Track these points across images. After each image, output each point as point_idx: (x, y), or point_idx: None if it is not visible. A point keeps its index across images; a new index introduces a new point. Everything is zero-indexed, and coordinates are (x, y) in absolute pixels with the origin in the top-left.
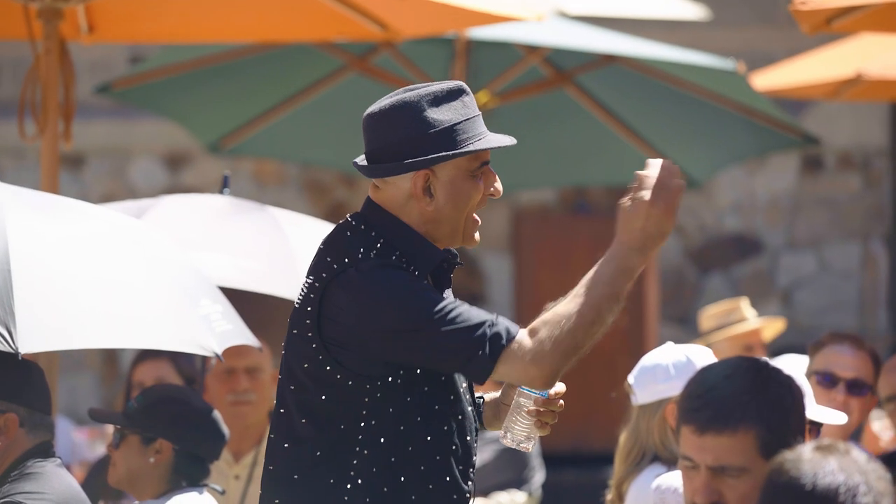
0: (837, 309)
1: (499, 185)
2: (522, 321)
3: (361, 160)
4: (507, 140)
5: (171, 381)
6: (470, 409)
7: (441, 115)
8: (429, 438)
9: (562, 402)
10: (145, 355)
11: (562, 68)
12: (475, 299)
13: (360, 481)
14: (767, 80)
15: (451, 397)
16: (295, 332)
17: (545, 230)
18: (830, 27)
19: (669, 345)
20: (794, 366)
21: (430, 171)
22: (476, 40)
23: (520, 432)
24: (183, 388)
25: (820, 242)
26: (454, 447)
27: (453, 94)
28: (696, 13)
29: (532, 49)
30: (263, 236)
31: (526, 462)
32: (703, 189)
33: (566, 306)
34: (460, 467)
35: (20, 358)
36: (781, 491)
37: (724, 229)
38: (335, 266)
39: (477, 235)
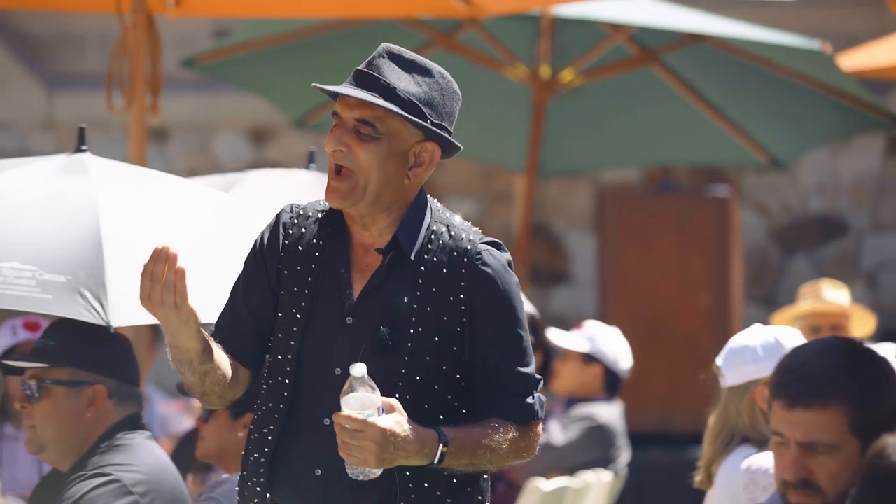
0: None
1: (327, 144)
2: (607, 300)
3: None
4: (329, 88)
5: None
6: (287, 370)
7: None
8: (262, 391)
9: (360, 436)
10: None
11: (647, 47)
12: (559, 278)
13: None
14: (854, 60)
15: (279, 356)
16: None
17: (629, 209)
18: None
19: (757, 326)
20: (892, 353)
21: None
22: (561, 18)
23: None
24: None
25: None
26: (266, 407)
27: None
28: None
29: (617, 27)
30: None
31: (612, 441)
32: (787, 170)
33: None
34: (265, 429)
35: (112, 331)
36: (882, 475)
37: (809, 210)
38: None
39: (334, 191)
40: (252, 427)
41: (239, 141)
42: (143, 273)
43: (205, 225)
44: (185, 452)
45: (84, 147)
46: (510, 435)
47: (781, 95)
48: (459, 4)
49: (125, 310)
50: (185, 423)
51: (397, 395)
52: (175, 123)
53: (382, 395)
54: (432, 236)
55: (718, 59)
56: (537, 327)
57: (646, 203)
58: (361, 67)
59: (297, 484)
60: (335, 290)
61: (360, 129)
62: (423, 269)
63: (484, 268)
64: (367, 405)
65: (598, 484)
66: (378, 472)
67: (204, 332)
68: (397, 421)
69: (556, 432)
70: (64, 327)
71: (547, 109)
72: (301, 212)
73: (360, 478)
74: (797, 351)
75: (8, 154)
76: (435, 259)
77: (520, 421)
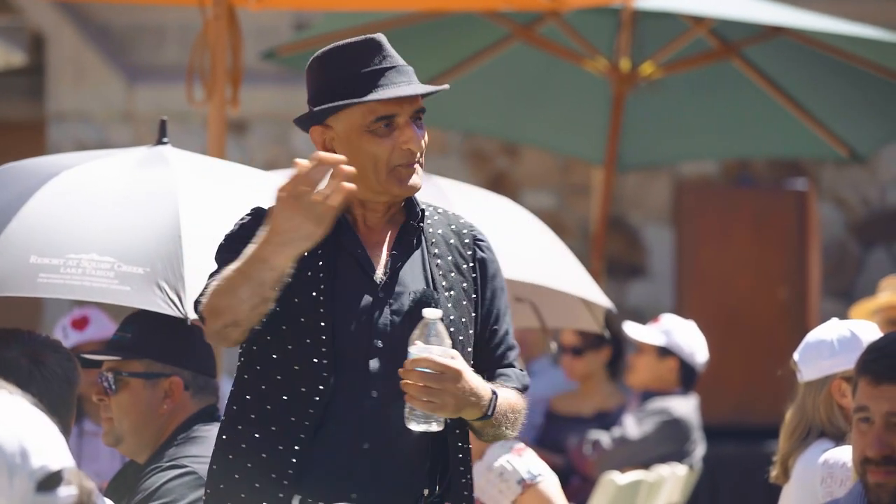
0: None
1: (416, 139)
2: (684, 294)
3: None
4: (390, 94)
5: None
6: (324, 362)
7: (340, 69)
8: (263, 387)
9: (444, 380)
10: None
11: (728, 40)
12: (635, 271)
13: (223, 436)
14: None
15: (289, 346)
16: None
17: (707, 202)
18: None
19: (834, 321)
20: None
21: (324, 128)
22: (642, 10)
23: (407, 411)
24: None
25: None
26: (285, 398)
27: (360, 48)
28: None
29: (698, 20)
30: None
31: (687, 435)
32: (866, 163)
33: (224, 275)
34: (292, 419)
35: (189, 323)
36: None
37: (888, 204)
38: None
39: (414, 179)
40: (248, 427)
41: None
42: (300, 174)
43: None
44: None
45: (165, 139)
46: (521, 403)
47: (862, 89)
48: None
49: None
50: None
51: None
52: (254, 115)
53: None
54: (425, 212)
55: (799, 52)
56: (610, 319)
57: (723, 196)
58: (388, 65)
59: (336, 465)
60: (355, 270)
61: (417, 118)
62: (433, 241)
63: (483, 241)
64: (445, 349)
65: (672, 478)
66: (441, 424)
67: None
68: (466, 366)
69: (631, 426)
70: (140, 319)
71: (626, 102)
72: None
73: (422, 428)
74: (887, 335)
75: (87, 146)
76: (440, 232)
77: (521, 390)
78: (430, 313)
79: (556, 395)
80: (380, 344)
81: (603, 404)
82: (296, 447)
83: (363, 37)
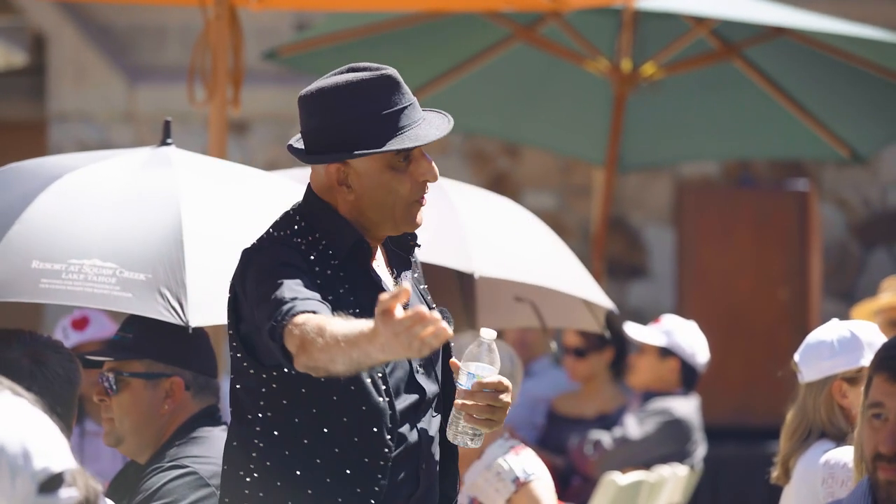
0: None
1: (433, 171)
2: (685, 294)
3: (297, 140)
4: (423, 138)
5: None
6: (386, 400)
7: (360, 108)
8: (325, 430)
9: (501, 397)
10: None
11: (729, 40)
12: (636, 272)
13: (256, 475)
14: None
15: (352, 387)
16: (228, 320)
17: (708, 203)
18: None
19: (834, 321)
20: None
21: (341, 165)
22: (643, 11)
23: (457, 428)
24: None
25: None
26: (356, 439)
27: (378, 85)
28: None
29: (699, 21)
30: (430, 206)
31: (688, 436)
32: (867, 164)
33: (330, 336)
34: (366, 460)
35: (190, 331)
36: None
37: (889, 204)
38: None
39: (420, 217)
40: (311, 471)
41: None
42: (416, 318)
43: None
44: None
45: (169, 140)
46: None
47: (863, 89)
48: None
49: (205, 309)
50: None
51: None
52: (255, 116)
53: (439, 372)
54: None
55: (800, 53)
56: (611, 320)
57: (724, 197)
58: (406, 103)
59: (406, 493)
60: (370, 291)
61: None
62: (414, 260)
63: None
64: (497, 367)
65: (673, 478)
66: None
67: None
68: None
69: (632, 426)
70: (140, 319)
71: (627, 103)
72: (300, 236)
73: (471, 444)
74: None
75: (88, 146)
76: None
77: None
78: (487, 333)
79: (557, 396)
80: (418, 367)
81: (605, 406)
82: (376, 488)
83: (377, 73)
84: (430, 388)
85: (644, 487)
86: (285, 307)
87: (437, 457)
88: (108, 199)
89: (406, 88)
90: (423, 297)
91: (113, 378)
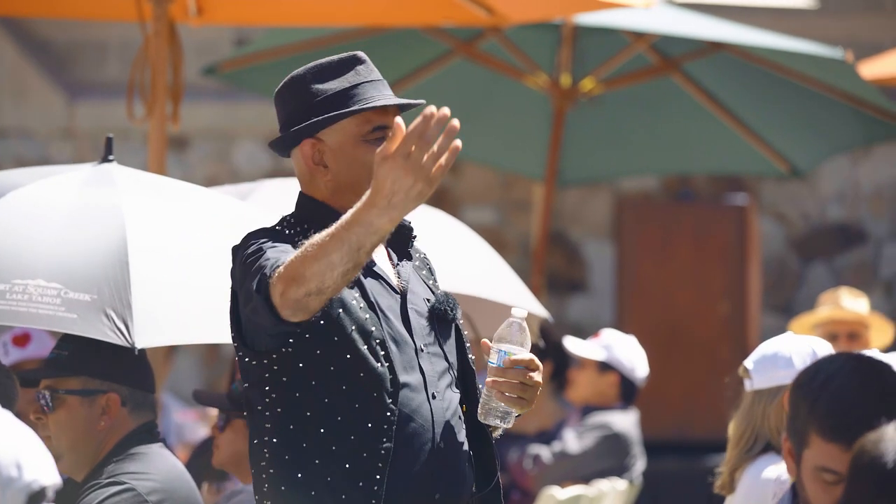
0: None
1: None
2: (625, 309)
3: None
4: (384, 101)
5: None
6: (386, 365)
7: (327, 85)
8: (326, 401)
9: (532, 375)
10: None
11: (668, 55)
12: (576, 287)
13: (268, 456)
14: (875, 68)
15: (348, 356)
16: (230, 322)
17: (648, 218)
18: None
19: (790, 334)
20: None
21: (315, 141)
22: (582, 26)
23: (488, 407)
24: None
25: None
26: (357, 406)
27: (344, 64)
28: (804, 1)
29: (638, 36)
30: None
31: (627, 450)
32: (806, 178)
33: (317, 240)
34: (369, 425)
35: (136, 353)
36: (864, 471)
37: (828, 219)
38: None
39: None
40: (322, 451)
41: (259, 149)
42: (413, 132)
43: (226, 235)
44: (200, 461)
45: (111, 157)
46: None
47: (802, 104)
48: (481, 13)
49: (150, 330)
50: (201, 431)
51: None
52: (195, 131)
53: (450, 354)
54: None
55: (739, 68)
56: (550, 334)
57: (664, 212)
58: (374, 78)
59: (420, 471)
60: (374, 280)
61: None
62: (400, 250)
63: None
64: (528, 346)
65: (613, 492)
66: (514, 419)
67: None
68: None
69: (571, 440)
70: (76, 336)
71: (566, 118)
72: (290, 227)
73: (502, 424)
74: (835, 389)
75: (28, 163)
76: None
77: None
78: (518, 312)
79: None
80: (422, 346)
81: (545, 422)
82: (381, 451)
83: (348, 53)
84: (439, 364)
85: (583, 501)
86: (269, 265)
87: (462, 438)
88: (52, 218)
89: (373, 67)
90: (431, 290)
91: (49, 396)
